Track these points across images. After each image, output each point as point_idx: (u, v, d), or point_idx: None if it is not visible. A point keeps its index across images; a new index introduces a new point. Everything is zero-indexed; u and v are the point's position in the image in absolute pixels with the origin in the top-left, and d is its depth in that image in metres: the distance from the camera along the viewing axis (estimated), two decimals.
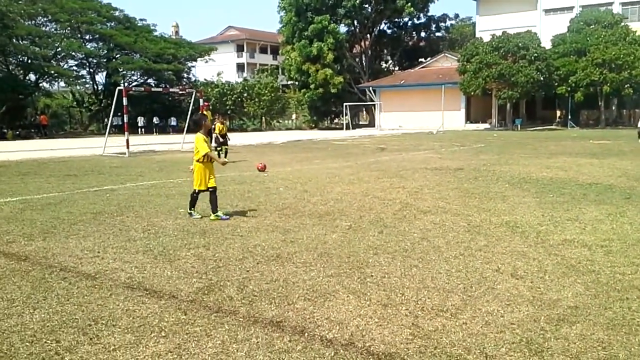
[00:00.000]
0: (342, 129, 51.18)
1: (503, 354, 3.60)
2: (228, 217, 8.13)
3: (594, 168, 14.17)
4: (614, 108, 43.95)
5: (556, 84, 40.10)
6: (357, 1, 50.72)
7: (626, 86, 37.30)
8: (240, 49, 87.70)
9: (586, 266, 5.49)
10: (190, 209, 8.29)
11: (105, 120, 46.09)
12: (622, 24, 40.47)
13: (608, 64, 37.19)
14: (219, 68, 64.82)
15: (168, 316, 4.30)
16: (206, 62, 56.88)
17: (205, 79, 57.21)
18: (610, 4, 45.49)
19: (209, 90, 51.67)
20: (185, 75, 55.65)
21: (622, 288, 4.82)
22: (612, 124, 42.00)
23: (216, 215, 8.05)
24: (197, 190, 8.19)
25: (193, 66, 57.53)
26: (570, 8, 47.82)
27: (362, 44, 57.82)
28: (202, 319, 4.24)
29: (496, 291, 4.80)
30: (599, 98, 40.32)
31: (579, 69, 38.30)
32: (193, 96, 27.53)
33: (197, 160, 8.08)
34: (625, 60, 36.50)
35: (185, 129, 28.90)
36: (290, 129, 57.20)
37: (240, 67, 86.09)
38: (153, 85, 50.20)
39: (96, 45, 50.42)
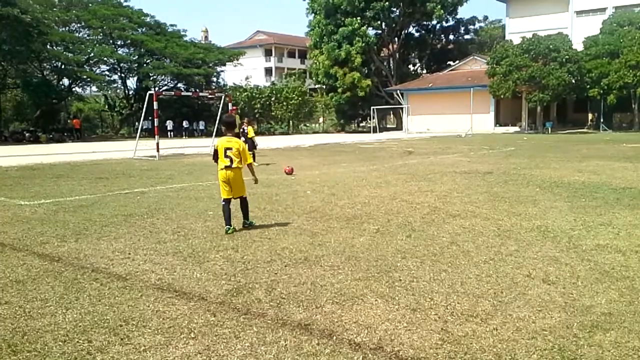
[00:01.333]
0: (369, 132, 51.04)
1: None
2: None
3: (627, 172, 13.85)
4: None
5: (588, 86, 39.39)
6: (386, 4, 50.57)
7: None
8: (268, 53, 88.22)
9: (620, 272, 5.37)
10: (246, 219, 7.79)
11: (136, 123, 46.86)
12: None
13: None
14: (248, 72, 65.32)
15: (197, 318, 4.33)
16: (235, 66, 57.35)
17: (234, 83, 57.66)
18: None
19: (238, 94, 52.08)
20: (215, 79, 56.15)
21: None
22: None
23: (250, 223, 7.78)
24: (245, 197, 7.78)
25: (222, 70, 58.03)
26: (603, 9, 46.93)
27: (390, 47, 57.62)
28: (230, 320, 4.27)
29: (527, 297, 4.73)
30: (632, 101, 39.48)
31: (611, 71, 37.57)
32: (222, 100, 27.82)
33: (230, 167, 7.45)
34: None
35: (214, 132, 29.20)
36: (318, 132, 57.29)
37: (268, 72, 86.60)
38: (183, 89, 50.84)
39: (128, 50, 51.24)
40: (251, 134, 18.47)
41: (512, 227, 7.51)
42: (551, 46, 39.21)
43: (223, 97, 27.73)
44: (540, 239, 6.79)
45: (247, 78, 59.59)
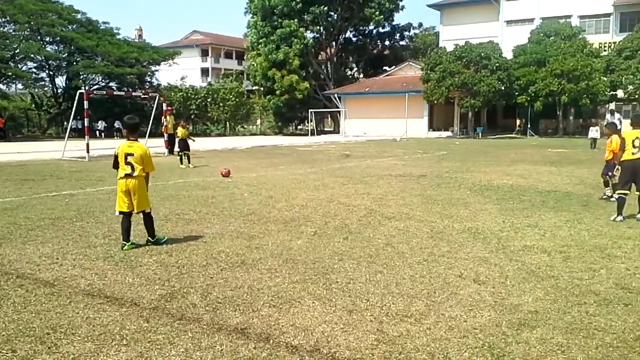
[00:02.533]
0: (307, 135, 51.24)
1: (466, 359, 3.65)
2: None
3: (552, 176, 14.52)
4: (571, 118, 45.14)
5: (516, 93, 40.96)
6: (324, 8, 50.90)
7: (583, 97, 38.36)
8: (205, 53, 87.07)
9: (546, 272, 5.61)
10: (151, 237, 6.82)
11: (65, 123, 45.05)
12: (580, 36, 41.69)
13: (566, 75, 38.18)
14: (184, 72, 64.13)
15: (129, 324, 4.21)
16: (170, 66, 56.19)
17: (168, 83, 56.47)
18: (569, 16, 46.75)
19: (173, 94, 51.06)
20: (149, 79, 54.83)
21: (580, 293, 4.94)
22: (570, 134, 43.12)
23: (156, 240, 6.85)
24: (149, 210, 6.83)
25: (156, 70, 56.70)
26: (531, 20, 48.99)
27: (328, 50, 58.03)
28: (164, 326, 4.18)
29: (459, 296, 4.87)
30: (557, 108, 41.35)
31: (538, 79, 39.22)
32: (156, 100, 27.21)
33: (131, 176, 6.56)
34: (582, 71, 37.53)
35: (147, 133, 28.52)
36: (255, 134, 56.95)
37: (204, 72, 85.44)
38: (115, 88, 49.37)
39: (57, 48, 49.21)
40: (182, 134, 18.24)
41: (444, 229, 7.72)
42: (482, 54, 40.59)
43: (157, 97, 27.10)
44: (471, 241, 7.01)
45: (182, 78, 58.50)
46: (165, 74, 61.59)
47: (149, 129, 29.15)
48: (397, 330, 4.10)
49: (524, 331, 4.08)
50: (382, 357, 3.68)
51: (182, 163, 17.83)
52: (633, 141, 8.26)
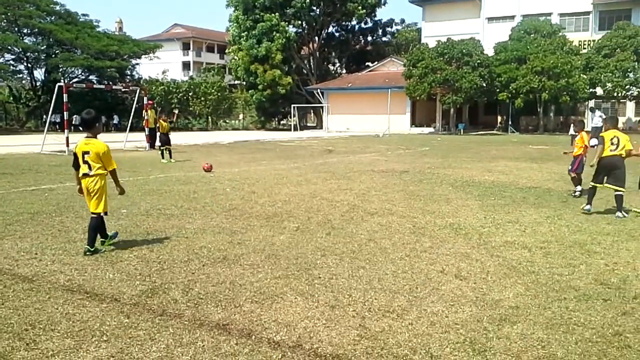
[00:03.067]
0: (289, 130, 51.11)
1: (447, 354, 3.67)
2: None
3: (533, 172, 14.67)
4: (552, 115, 45.64)
5: (498, 90, 41.30)
6: (306, 2, 50.74)
7: (563, 94, 38.78)
8: (186, 47, 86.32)
9: (526, 267, 5.67)
10: (90, 245, 6.12)
11: (44, 117, 44.49)
12: (560, 34, 42.13)
13: (547, 72, 38.56)
14: (164, 66, 63.58)
15: (110, 320, 4.17)
16: (151, 59, 55.70)
17: (149, 77, 55.95)
18: (550, 14, 47.18)
19: (154, 88, 50.60)
20: (129, 72, 54.29)
21: (560, 288, 5.00)
22: (550, 130, 43.60)
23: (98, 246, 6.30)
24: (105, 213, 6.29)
25: (137, 64, 56.19)
26: (512, 17, 49.37)
27: (311, 46, 57.91)
28: (145, 322, 4.14)
29: (441, 292, 4.89)
30: (537, 105, 41.77)
31: (519, 76, 39.54)
32: (137, 94, 26.93)
33: (88, 175, 6.11)
34: (562, 69, 37.92)
35: (129, 127, 28.26)
36: (237, 129, 56.70)
37: (186, 66, 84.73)
38: (95, 82, 48.79)
39: (35, 39, 48.48)
40: (162, 129, 18.27)
41: (426, 225, 7.76)
42: (464, 50, 40.80)
43: (138, 90, 26.84)
44: (453, 236, 7.06)
45: (163, 72, 58.02)
46: (146, 68, 61.04)
47: (129, 123, 28.91)
48: (380, 326, 4.11)
49: (504, 326, 4.12)
50: (364, 352, 3.69)
51: (163, 157, 17.69)
52: (611, 139, 8.58)
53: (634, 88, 39.03)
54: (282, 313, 4.36)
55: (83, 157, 6.11)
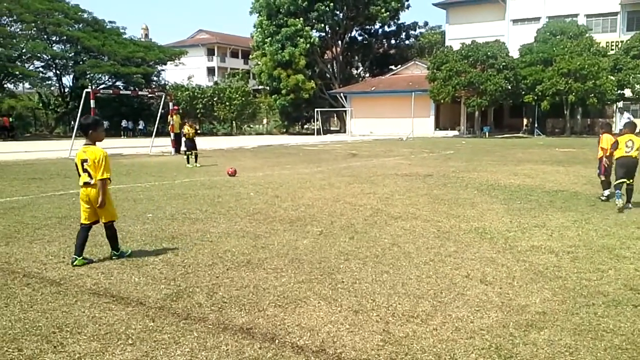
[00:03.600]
0: (313, 134, 51.23)
1: None
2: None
3: (560, 175, 14.44)
4: (579, 117, 44.93)
5: (523, 92, 40.82)
6: (330, 6, 50.85)
7: (590, 96, 38.15)
8: (211, 52, 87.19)
9: (553, 272, 5.57)
10: (115, 250, 6.11)
11: (72, 122, 45.24)
12: (587, 35, 41.48)
13: (573, 74, 37.98)
14: (190, 72, 64.34)
15: (135, 323, 4.21)
16: (176, 65, 56.40)
17: (175, 82, 56.63)
18: (576, 15, 46.54)
19: (179, 93, 51.20)
20: (155, 78, 55.02)
21: (588, 294, 4.90)
22: (577, 133, 42.94)
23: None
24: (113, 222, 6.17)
25: (163, 70, 56.94)
26: (537, 19, 48.81)
27: (334, 50, 58.01)
28: (170, 326, 4.17)
29: (466, 297, 4.84)
30: (564, 107, 41.16)
31: (545, 78, 39.04)
32: (163, 99, 27.27)
33: (89, 184, 6.05)
34: (589, 70, 37.33)
35: (154, 132, 28.60)
36: (261, 133, 57.02)
37: (210, 71, 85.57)
38: (122, 87, 49.55)
39: (63, 47, 49.46)
40: (187, 134, 18.37)
41: (451, 229, 7.68)
42: (489, 53, 40.47)
43: (164, 96, 27.17)
44: (478, 241, 6.97)
45: (189, 77, 58.67)
46: (172, 73, 61.78)
47: (155, 128, 29.28)
48: (404, 331, 4.08)
49: (531, 332, 4.05)
50: (388, 358, 3.66)
51: (188, 162, 17.86)
52: (626, 142, 9.48)
53: None
54: (306, 317, 4.36)
55: (82, 166, 5.92)
